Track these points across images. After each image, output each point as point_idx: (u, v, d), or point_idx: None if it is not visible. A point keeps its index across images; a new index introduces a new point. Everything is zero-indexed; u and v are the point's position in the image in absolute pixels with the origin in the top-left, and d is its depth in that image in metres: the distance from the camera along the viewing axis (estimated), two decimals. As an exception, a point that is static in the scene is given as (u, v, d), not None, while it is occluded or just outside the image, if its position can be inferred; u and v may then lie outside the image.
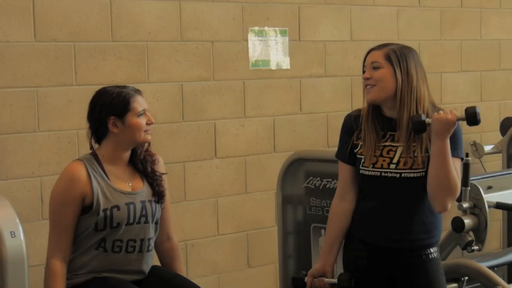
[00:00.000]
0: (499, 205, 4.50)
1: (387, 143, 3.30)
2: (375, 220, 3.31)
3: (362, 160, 3.31)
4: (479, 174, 4.79)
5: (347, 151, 3.38)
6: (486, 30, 6.70)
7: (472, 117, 3.18)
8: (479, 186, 4.32)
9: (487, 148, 5.94)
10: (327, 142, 5.73)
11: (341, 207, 3.39)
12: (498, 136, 6.17)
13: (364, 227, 3.34)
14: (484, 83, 6.71)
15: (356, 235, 3.36)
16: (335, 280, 3.40)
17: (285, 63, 5.55)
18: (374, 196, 3.31)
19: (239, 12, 5.29)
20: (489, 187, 4.63)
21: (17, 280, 3.03)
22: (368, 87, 3.29)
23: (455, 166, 3.25)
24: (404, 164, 3.25)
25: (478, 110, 3.17)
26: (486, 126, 6.28)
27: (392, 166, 3.26)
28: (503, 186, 4.77)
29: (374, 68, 3.28)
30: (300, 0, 5.61)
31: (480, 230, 4.32)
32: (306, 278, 3.50)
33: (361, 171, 3.32)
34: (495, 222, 5.38)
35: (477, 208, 4.31)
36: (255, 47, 5.41)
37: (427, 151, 3.22)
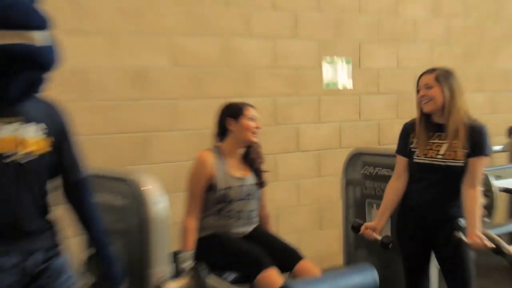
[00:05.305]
0: (505, 190, 4.48)
1: (435, 141, 3.32)
2: (423, 195, 3.28)
3: (417, 152, 3.32)
4: (490, 167, 4.72)
5: (405, 147, 3.38)
6: (502, 60, 6.55)
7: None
8: (490, 176, 4.28)
9: (496, 148, 5.82)
10: (378, 141, 5.83)
11: (396, 184, 3.39)
12: (505, 139, 6.04)
13: (414, 201, 3.33)
14: (496, 100, 6.53)
15: (408, 204, 3.37)
16: (379, 237, 3.32)
17: (349, 84, 5.56)
18: (423, 178, 3.29)
19: (316, 47, 5.43)
20: (498, 177, 4.59)
21: (161, 234, 3.03)
22: (423, 102, 3.31)
23: (484, 163, 3.24)
24: (448, 156, 3.24)
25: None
26: (496, 131, 6.14)
27: (439, 156, 3.24)
28: (508, 176, 4.71)
29: (427, 88, 3.31)
30: (361, 38, 5.65)
31: (490, 207, 4.28)
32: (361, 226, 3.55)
33: (415, 160, 3.31)
34: (502, 202, 5.29)
35: (489, 192, 4.29)
36: (327, 72, 5.40)
37: (464, 147, 3.23)
